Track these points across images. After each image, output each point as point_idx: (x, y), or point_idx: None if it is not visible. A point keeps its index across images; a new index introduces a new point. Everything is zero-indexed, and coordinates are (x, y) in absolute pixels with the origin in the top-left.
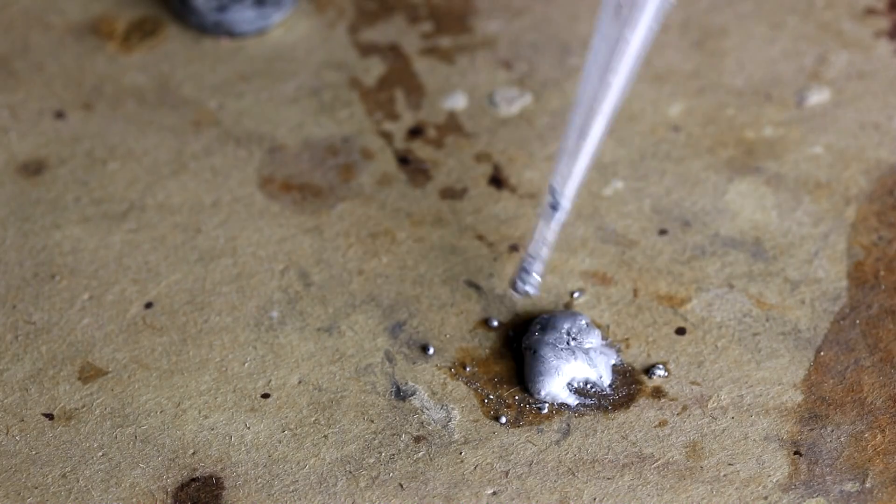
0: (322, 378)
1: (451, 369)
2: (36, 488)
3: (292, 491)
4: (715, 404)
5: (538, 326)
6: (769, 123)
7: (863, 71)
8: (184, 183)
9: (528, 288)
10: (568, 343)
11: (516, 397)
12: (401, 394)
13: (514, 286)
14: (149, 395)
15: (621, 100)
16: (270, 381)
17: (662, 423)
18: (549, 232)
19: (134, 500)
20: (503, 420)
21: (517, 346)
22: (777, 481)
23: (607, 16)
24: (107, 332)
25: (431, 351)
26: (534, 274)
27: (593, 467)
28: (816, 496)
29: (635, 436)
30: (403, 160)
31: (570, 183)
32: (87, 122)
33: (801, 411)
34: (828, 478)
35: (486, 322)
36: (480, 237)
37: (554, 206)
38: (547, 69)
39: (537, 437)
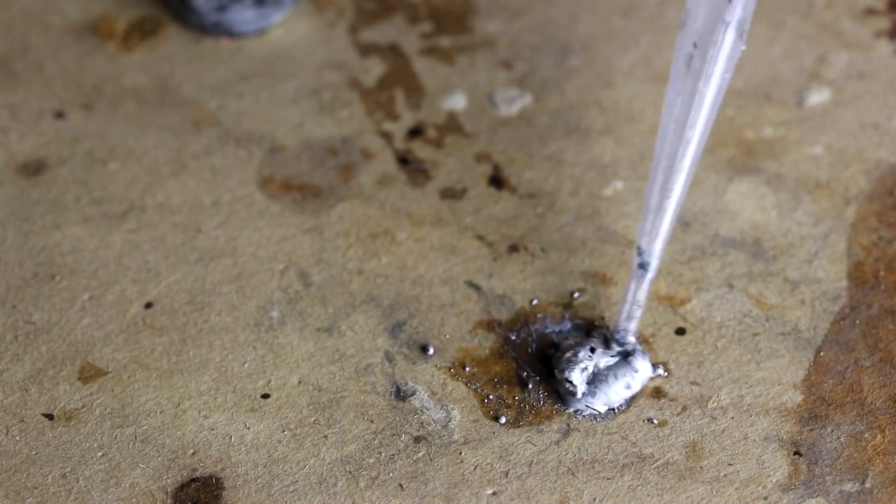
0: (322, 378)
1: (450, 369)
2: (36, 488)
3: (292, 491)
4: (715, 404)
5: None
6: (769, 123)
7: (863, 71)
8: (184, 183)
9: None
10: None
11: (516, 397)
12: (401, 394)
13: (613, 343)
14: (149, 396)
15: (700, 152)
16: (270, 381)
17: (662, 424)
18: (640, 293)
19: (134, 500)
20: (503, 420)
21: (517, 346)
22: (777, 481)
23: (679, 69)
24: (107, 333)
25: (431, 351)
26: (630, 337)
27: (593, 467)
28: (816, 496)
29: (635, 436)
30: (403, 160)
31: (657, 241)
32: (87, 122)
33: (800, 411)
34: (828, 478)
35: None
36: (480, 237)
37: (643, 266)
38: (547, 69)
39: (537, 437)
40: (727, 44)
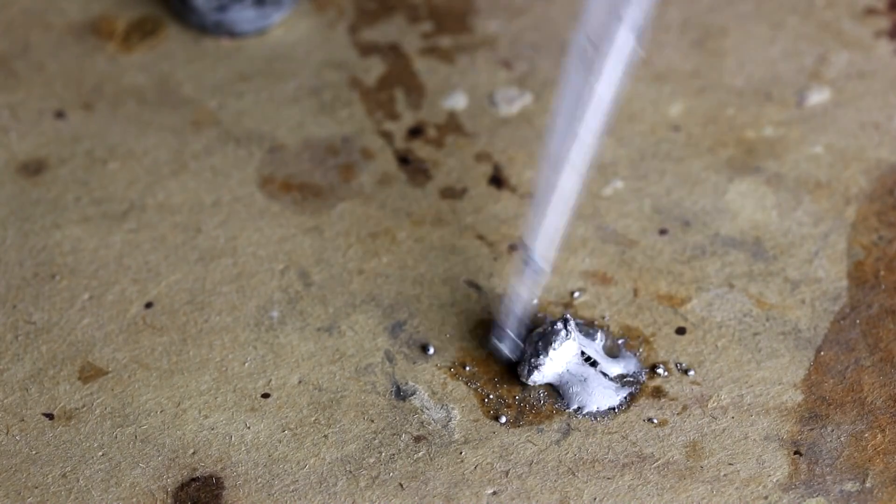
0: (322, 378)
1: (451, 369)
2: (36, 488)
3: (292, 491)
4: (715, 404)
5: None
6: (769, 123)
7: (863, 71)
8: (184, 183)
9: (502, 345)
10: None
11: (516, 397)
12: (401, 393)
13: (493, 347)
14: (149, 395)
15: (593, 151)
16: (270, 380)
17: (662, 423)
18: (524, 289)
19: (134, 499)
20: (503, 420)
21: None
22: (777, 481)
23: (573, 66)
24: (107, 332)
25: (431, 351)
26: (508, 330)
27: (593, 467)
28: (816, 496)
29: (635, 435)
30: (403, 160)
31: (542, 238)
32: (87, 121)
33: (801, 411)
34: (828, 477)
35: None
36: (480, 237)
37: (528, 262)
38: (547, 69)
39: (537, 436)
40: (621, 43)
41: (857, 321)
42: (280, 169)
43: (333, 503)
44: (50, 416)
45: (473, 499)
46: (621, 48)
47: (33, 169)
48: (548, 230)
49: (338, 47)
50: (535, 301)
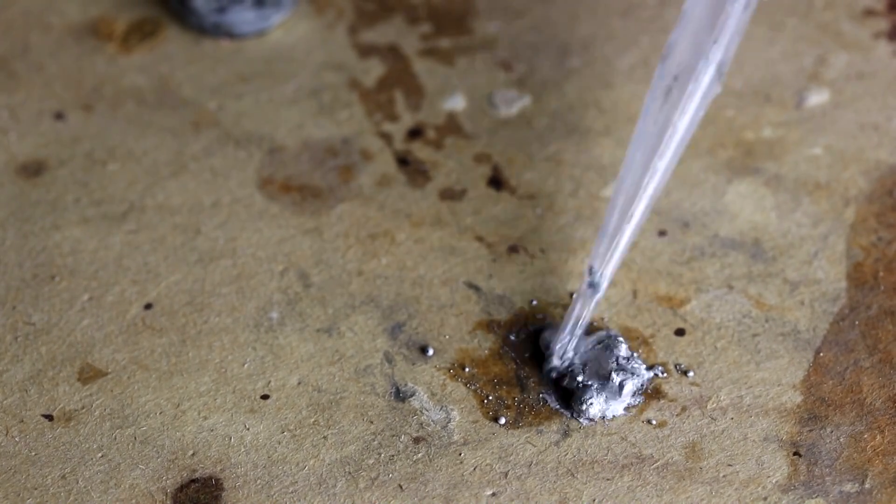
0: (321, 379)
1: (450, 370)
2: (35, 489)
3: (292, 492)
4: (714, 405)
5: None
6: (768, 124)
7: (862, 72)
8: (183, 184)
9: (556, 362)
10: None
11: (515, 398)
12: (400, 395)
13: (549, 364)
14: (148, 397)
15: (664, 183)
16: (270, 382)
17: (662, 424)
18: (585, 312)
19: (133, 501)
20: (502, 421)
21: (517, 347)
22: (776, 482)
23: (655, 99)
24: (106, 333)
25: (431, 352)
26: (569, 350)
27: (593, 468)
28: (816, 497)
29: (635, 437)
30: (403, 161)
31: (610, 264)
32: (86, 123)
33: (800, 412)
34: (827, 478)
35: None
36: (480, 238)
37: (593, 286)
38: (546, 70)
39: (537, 438)
40: (706, 81)
41: (856, 322)
42: (279, 170)
43: None
44: (49, 418)
45: (473, 500)
46: (706, 86)
47: (33, 170)
48: (616, 257)
49: (337, 49)
50: (589, 320)
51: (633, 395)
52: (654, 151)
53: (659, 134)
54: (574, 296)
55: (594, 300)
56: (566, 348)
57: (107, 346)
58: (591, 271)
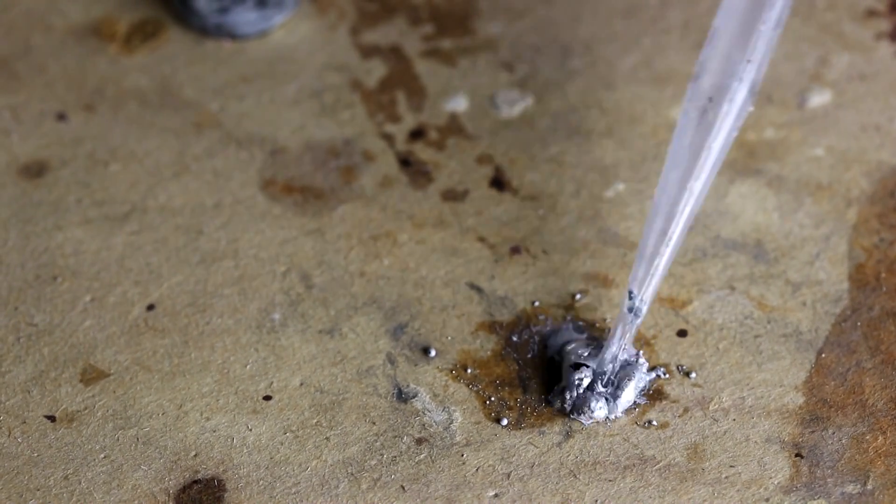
0: (324, 380)
1: (452, 371)
2: (38, 490)
3: (294, 493)
4: (716, 406)
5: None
6: (770, 125)
7: (864, 72)
8: (185, 185)
9: (600, 389)
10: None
11: (518, 399)
12: (402, 396)
13: (593, 397)
14: (151, 397)
15: (700, 204)
16: (272, 383)
17: (664, 426)
18: (627, 337)
19: (136, 502)
20: (505, 422)
21: (519, 348)
22: (778, 483)
23: (689, 120)
24: (108, 334)
25: (433, 353)
26: (613, 376)
27: (595, 469)
28: (818, 498)
29: (637, 438)
30: (405, 162)
31: (651, 287)
32: (88, 123)
33: (802, 413)
34: (829, 480)
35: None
36: (482, 239)
37: (633, 311)
38: (548, 71)
39: (539, 439)
40: (739, 102)
41: (859, 323)
42: (281, 171)
43: None
44: (52, 419)
45: (475, 501)
46: (739, 107)
47: (35, 171)
48: (654, 279)
49: (339, 49)
50: (631, 347)
51: (636, 394)
52: (689, 173)
53: (694, 156)
54: (614, 321)
55: (635, 326)
56: (610, 374)
57: (109, 347)
58: (630, 296)
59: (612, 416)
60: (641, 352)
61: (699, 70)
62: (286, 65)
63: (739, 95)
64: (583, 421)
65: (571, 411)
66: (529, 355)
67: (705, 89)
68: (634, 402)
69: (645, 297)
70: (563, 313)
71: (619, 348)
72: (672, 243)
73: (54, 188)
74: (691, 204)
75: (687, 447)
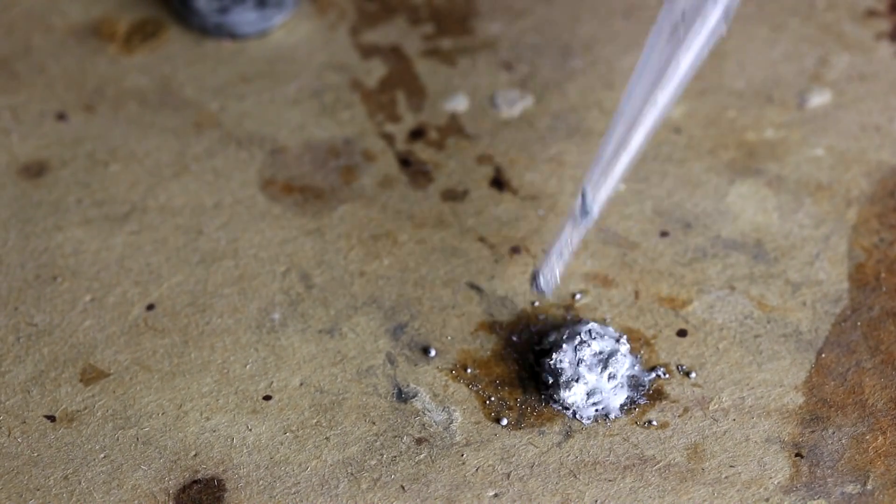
0: (324, 380)
1: (452, 371)
2: (38, 490)
3: (294, 493)
4: (716, 406)
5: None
6: (770, 125)
7: (864, 73)
8: (185, 185)
9: (544, 287)
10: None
11: (518, 399)
12: (402, 396)
13: (535, 284)
14: (150, 397)
15: (664, 116)
16: (272, 382)
17: (664, 426)
18: (574, 236)
19: (136, 502)
20: (504, 422)
21: (519, 348)
22: (778, 483)
23: (661, 35)
24: (108, 334)
25: (433, 353)
26: (556, 273)
27: (595, 469)
28: (818, 498)
29: (637, 438)
30: (405, 162)
31: (603, 191)
32: (88, 123)
33: (802, 413)
34: (829, 480)
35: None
36: (482, 239)
37: (585, 211)
38: (548, 71)
39: (539, 439)
40: (713, 20)
41: (858, 323)
42: (281, 171)
43: None
44: (52, 419)
45: (475, 501)
46: (711, 26)
47: (35, 171)
48: (609, 182)
49: (339, 49)
50: (577, 245)
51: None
52: (655, 84)
53: (662, 68)
54: (564, 220)
55: (583, 225)
56: (553, 272)
57: (109, 347)
58: (584, 196)
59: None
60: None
61: None
62: (286, 65)
63: (712, 15)
64: (578, 417)
65: (550, 387)
66: (531, 357)
67: (680, 6)
68: (627, 398)
69: (597, 198)
70: (563, 313)
71: (563, 246)
72: (630, 149)
73: (54, 188)
74: (654, 114)
75: (687, 447)
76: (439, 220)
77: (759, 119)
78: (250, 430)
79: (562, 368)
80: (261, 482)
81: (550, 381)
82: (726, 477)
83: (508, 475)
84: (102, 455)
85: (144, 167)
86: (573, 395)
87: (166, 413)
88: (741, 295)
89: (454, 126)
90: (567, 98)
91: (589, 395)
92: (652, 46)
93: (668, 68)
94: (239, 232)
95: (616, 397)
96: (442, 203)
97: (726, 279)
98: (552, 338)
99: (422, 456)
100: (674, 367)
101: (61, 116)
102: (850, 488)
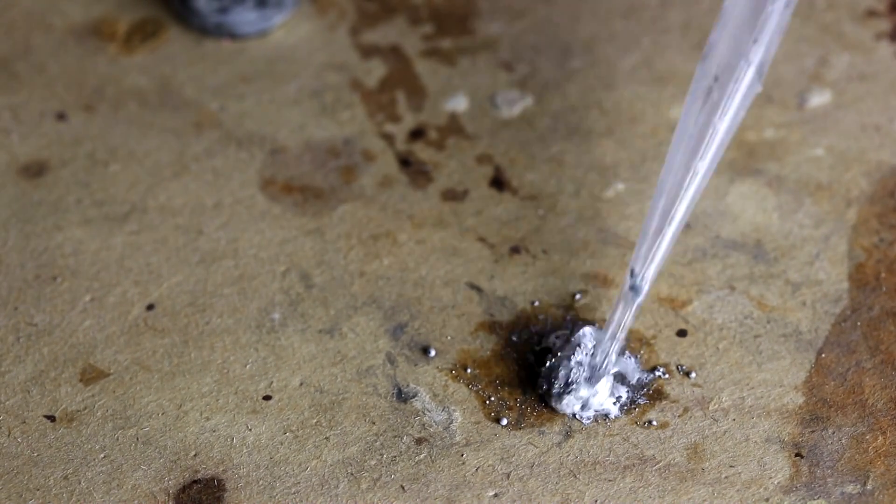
0: (323, 380)
1: (452, 371)
2: (38, 490)
3: (294, 493)
4: (716, 406)
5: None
6: (770, 125)
7: (864, 73)
8: (185, 185)
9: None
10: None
11: (518, 399)
12: (402, 396)
13: (594, 368)
14: (150, 397)
15: (705, 184)
16: (272, 382)
17: (664, 425)
18: (628, 315)
19: (136, 502)
20: (504, 422)
21: (518, 349)
22: (778, 483)
23: (696, 99)
24: (108, 334)
25: (433, 353)
26: (612, 357)
27: (595, 469)
28: (818, 498)
29: (636, 438)
30: (405, 162)
31: (653, 266)
32: (88, 123)
33: (802, 413)
34: (829, 480)
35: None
36: (482, 239)
37: (634, 289)
38: (548, 71)
39: (539, 438)
40: (746, 82)
41: (858, 323)
42: (281, 171)
43: None
44: (51, 418)
45: (475, 501)
46: (746, 87)
47: (35, 171)
48: (657, 258)
49: (339, 49)
50: (631, 324)
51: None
52: (694, 153)
53: (699, 135)
54: (616, 300)
55: (636, 303)
56: (608, 352)
57: (109, 347)
58: (632, 274)
59: (588, 398)
60: (636, 355)
61: (707, 51)
62: (286, 65)
63: (746, 75)
64: (579, 418)
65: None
66: (531, 358)
67: (711, 69)
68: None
69: (646, 275)
70: (563, 313)
71: (619, 327)
72: (675, 223)
73: (54, 188)
74: (696, 184)
75: (687, 447)
76: (439, 220)
77: (759, 119)
78: (250, 430)
79: (555, 379)
80: (261, 482)
81: (545, 387)
82: (726, 477)
83: (508, 475)
84: (102, 455)
85: (144, 167)
86: (567, 407)
87: (166, 413)
88: (741, 295)
89: (454, 126)
90: (567, 98)
91: (584, 406)
92: (688, 112)
93: (706, 134)
94: (239, 232)
95: (613, 400)
96: (442, 203)
97: (726, 279)
98: (551, 340)
99: (422, 456)
100: (674, 367)
101: (61, 116)
102: (850, 488)
